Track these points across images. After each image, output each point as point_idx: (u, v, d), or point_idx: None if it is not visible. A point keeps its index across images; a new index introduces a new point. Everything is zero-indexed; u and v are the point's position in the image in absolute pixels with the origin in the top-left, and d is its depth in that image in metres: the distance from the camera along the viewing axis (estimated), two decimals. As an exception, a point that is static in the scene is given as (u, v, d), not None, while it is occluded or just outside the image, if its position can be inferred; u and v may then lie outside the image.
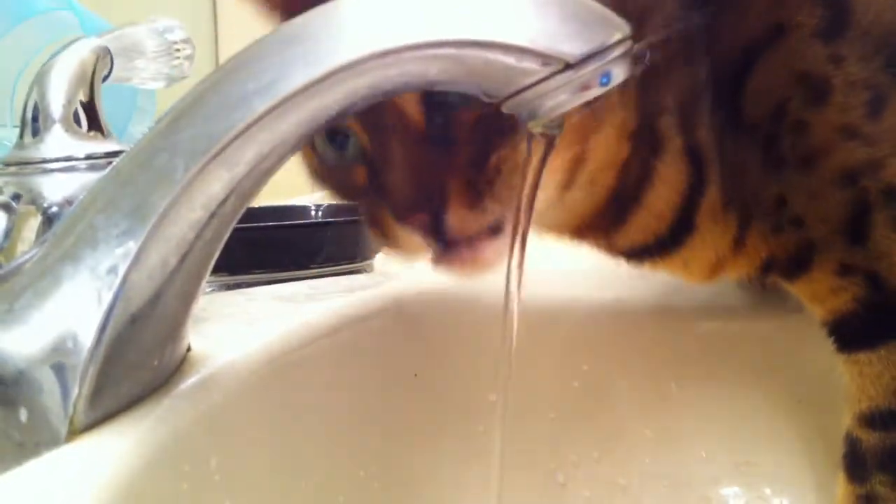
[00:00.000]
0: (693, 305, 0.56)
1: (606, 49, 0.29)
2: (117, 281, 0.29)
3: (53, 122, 0.37)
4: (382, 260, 0.65)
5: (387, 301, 0.50)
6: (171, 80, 0.46)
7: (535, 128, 0.31)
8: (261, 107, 0.29)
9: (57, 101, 0.37)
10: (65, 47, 0.39)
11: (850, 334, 0.43)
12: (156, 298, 0.30)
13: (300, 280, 0.58)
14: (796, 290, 0.44)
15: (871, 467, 0.42)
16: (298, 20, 0.30)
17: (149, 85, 0.45)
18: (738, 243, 0.43)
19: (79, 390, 0.27)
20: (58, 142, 0.37)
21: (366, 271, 0.63)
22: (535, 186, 0.32)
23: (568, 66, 0.29)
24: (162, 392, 0.31)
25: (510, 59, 0.29)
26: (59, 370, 0.27)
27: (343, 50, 0.29)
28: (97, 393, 0.28)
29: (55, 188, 0.36)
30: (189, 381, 0.33)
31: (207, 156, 0.29)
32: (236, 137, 0.29)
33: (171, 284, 0.30)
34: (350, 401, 0.45)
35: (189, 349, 0.36)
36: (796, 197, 0.41)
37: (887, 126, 0.39)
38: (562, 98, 0.29)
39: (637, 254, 0.45)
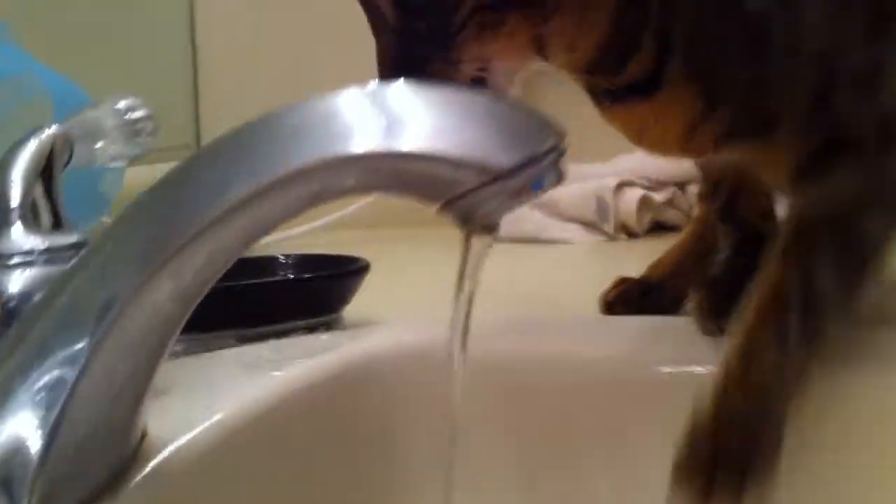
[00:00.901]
0: (651, 353, 0.57)
1: (537, 158, 0.30)
2: (65, 393, 0.30)
3: (13, 217, 0.38)
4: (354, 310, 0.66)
5: (349, 365, 0.51)
6: (133, 159, 0.47)
7: (473, 230, 0.32)
8: (206, 217, 0.30)
9: (16, 196, 0.38)
10: (23, 139, 0.40)
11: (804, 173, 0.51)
12: (105, 405, 0.31)
13: (268, 335, 0.59)
14: (755, 154, 0.52)
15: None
16: (238, 130, 0.31)
17: (111, 165, 0.46)
18: (707, 113, 0.50)
19: (27, 502, 0.28)
20: (17, 237, 0.37)
21: (334, 325, 0.64)
22: (475, 283, 0.34)
23: (500, 177, 0.30)
24: (114, 489, 0.32)
25: (445, 170, 0.30)
26: (7, 483, 0.28)
27: (284, 161, 0.30)
28: (46, 502, 0.29)
29: (14, 283, 0.37)
30: (141, 475, 0.34)
31: (154, 266, 0.30)
32: (183, 248, 0.30)
33: (119, 389, 0.31)
34: (312, 470, 0.46)
35: (145, 435, 0.37)
36: (773, 80, 0.50)
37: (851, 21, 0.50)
38: (495, 204, 0.31)
39: (625, 93, 0.52)
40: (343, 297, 0.64)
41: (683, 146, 0.54)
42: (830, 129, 0.50)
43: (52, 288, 0.32)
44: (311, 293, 0.64)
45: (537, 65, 0.54)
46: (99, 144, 0.44)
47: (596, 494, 0.54)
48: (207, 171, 0.31)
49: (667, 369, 0.55)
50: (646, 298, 0.67)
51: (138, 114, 0.46)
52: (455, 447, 0.42)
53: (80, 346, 0.30)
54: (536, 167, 0.30)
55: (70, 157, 0.41)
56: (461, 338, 0.38)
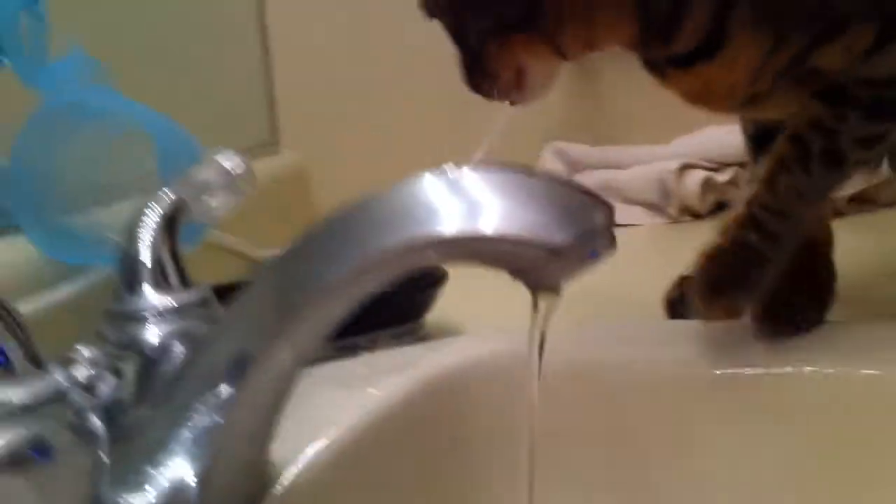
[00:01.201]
0: (708, 355, 0.61)
1: (592, 233, 0.35)
2: (212, 439, 0.36)
3: (146, 277, 0.44)
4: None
5: (439, 379, 0.57)
6: (234, 206, 0.53)
7: (540, 291, 0.38)
8: (316, 293, 0.36)
9: (146, 258, 0.45)
10: (148, 204, 0.46)
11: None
12: (243, 447, 0.38)
13: (358, 345, 0.65)
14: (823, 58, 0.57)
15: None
16: (341, 214, 0.37)
17: (217, 213, 0.52)
18: (776, 46, 0.56)
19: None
20: (150, 295, 0.44)
21: (417, 333, 0.70)
22: (543, 336, 0.39)
23: (561, 252, 0.35)
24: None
25: (515, 249, 0.35)
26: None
27: (381, 244, 0.36)
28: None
29: (151, 336, 0.43)
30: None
31: (276, 334, 0.36)
32: (297, 319, 0.36)
33: (254, 433, 0.38)
34: (410, 483, 0.52)
35: (268, 463, 0.43)
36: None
37: None
38: (558, 273, 0.36)
39: (688, 59, 0.58)
40: (427, 306, 0.70)
41: (747, 93, 0.59)
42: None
43: (193, 349, 0.38)
44: (398, 304, 0.70)
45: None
46: (207, 201, 0.50)
47: (663, 495, 0.59)
48: (316, 252, 0.37)
49: (726, 371, 0.59)
50: None
51: (238, 166, 0.51)
52: (533, 457, 0.47)
53: (221, 399, 0.36)
54: (591, 239, 0.35)
55: (187, 218, 0.47)
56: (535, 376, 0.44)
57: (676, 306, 0.72)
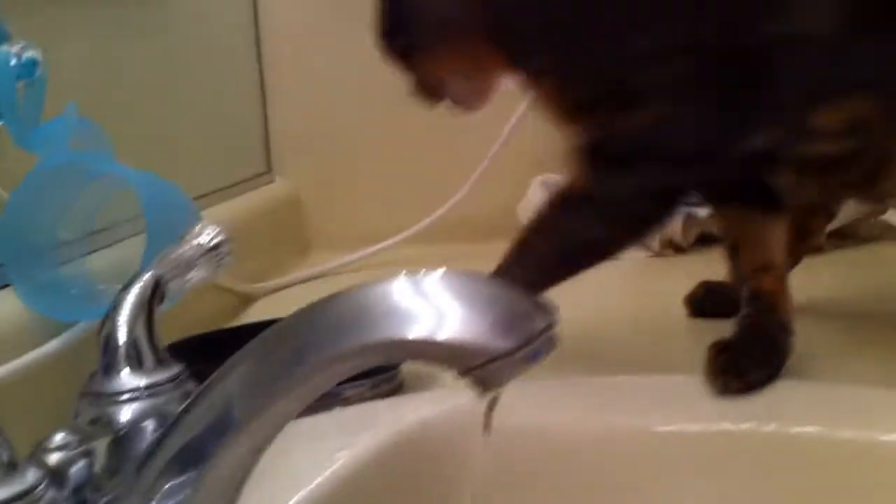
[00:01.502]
0: (656, 410, 0.63)
1: (533, 337, 0.38)
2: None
3: (122, 358, 0.47)
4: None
5: (412, 435, 0.60)
6: (213, 278, 0.55)
7: (486, 388, 0.40)
8: (275, 386, 0.39)
9: (122, 339, 0.47)
10: (127, 286, 0.49)
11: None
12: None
13: (336, 394, 0.67)
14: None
15: None
16: (300, 315, 0.39)
17: (195, 285, 0.54)
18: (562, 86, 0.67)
19: None
20: (125, 376, 0.46)
21: (393, 381, 0.72)
22: (490, 421, 0.42)
23: (503, 356, 0.38)
24: None
25: (463, 353, 0.38)
26: None
27: (336, 344, 0.38)
28: None
29: (123, 415, 0.46)
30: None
31: (235, 430, 0.39)
32: (258, 414, 0.39)
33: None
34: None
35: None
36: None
37: None
38: (501, 375, 0.39)
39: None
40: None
41: (558, 115, 0.68)
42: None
43: (159, 437, 0.41)
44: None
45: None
46: (188, 277, 0.52)
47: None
48: (278, 347, 0.39)
49: (669, 428, 0.61)
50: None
51: (219, 240, 0.54)
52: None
53: (189, 477, 0.39)
54: (533, 344, 0.38)
55: (163, 297, 0.50)
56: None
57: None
